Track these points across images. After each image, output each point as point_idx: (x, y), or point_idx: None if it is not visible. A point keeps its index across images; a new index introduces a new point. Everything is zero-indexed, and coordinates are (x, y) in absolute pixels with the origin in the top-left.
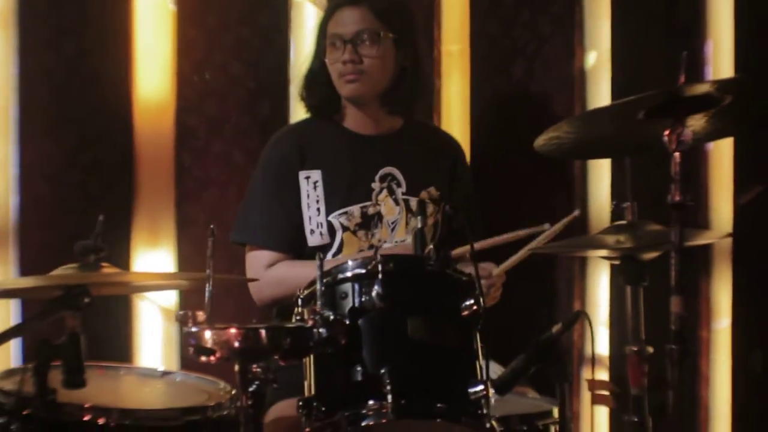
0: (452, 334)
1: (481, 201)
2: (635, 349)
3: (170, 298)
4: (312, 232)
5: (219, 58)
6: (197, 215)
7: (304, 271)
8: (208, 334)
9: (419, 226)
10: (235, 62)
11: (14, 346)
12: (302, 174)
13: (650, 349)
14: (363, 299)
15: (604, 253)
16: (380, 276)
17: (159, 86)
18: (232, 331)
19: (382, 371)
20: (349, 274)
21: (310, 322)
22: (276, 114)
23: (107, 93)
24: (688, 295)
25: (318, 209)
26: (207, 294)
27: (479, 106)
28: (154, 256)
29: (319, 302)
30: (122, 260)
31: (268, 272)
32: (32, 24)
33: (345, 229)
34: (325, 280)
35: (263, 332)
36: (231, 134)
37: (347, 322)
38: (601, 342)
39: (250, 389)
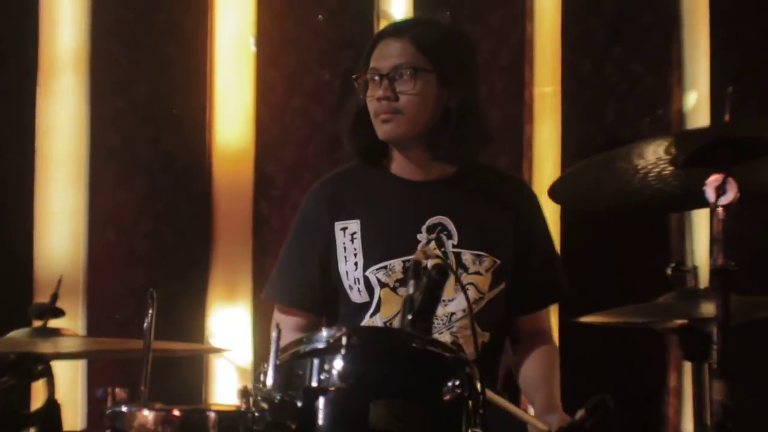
0: (427, 422)
1: (573, 252)
2: None
3: (246, 357)
4: (350, 288)
5: (298, 102)
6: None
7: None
8: (122, 417)
9: (410, 292)
10: (315, 106)
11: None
12: (338, 225)
13: None
14: (322, 377)
15: (669, 323)
16: (343, 351)
17: (238, 131)
18: (145, 413)
19: None
20: (309, 347)
21: (244, 406)
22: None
23: (183, 137)
24: None
25: (355, 263)
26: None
27: (570, 153)
28: (230, 312)
29: (269, 380)
30: (198, 316)
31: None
32: (104, 66)
33: (383, 285)
34: (292, 351)
35: (186, 416)
36: (310, 183)
37: (299, 404)
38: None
39: None
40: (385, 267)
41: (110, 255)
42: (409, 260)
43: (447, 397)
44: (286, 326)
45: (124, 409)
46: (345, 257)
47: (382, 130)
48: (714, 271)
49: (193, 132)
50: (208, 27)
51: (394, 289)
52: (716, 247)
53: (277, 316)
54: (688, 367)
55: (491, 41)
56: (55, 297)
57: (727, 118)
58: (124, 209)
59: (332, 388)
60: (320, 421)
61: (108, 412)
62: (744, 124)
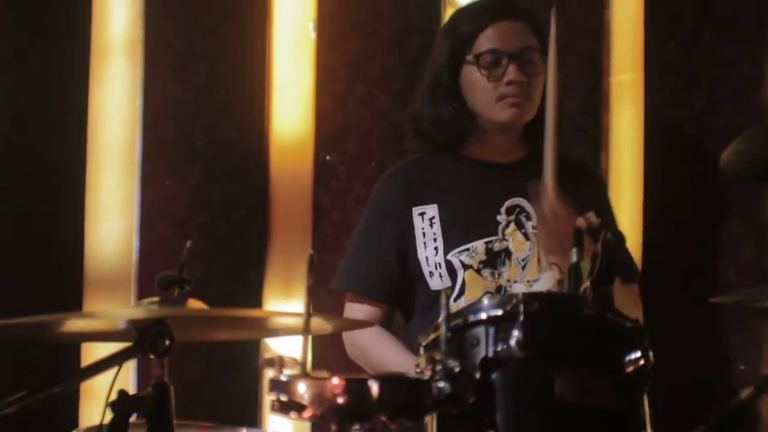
0: (612, 395)
1: (653, 247)
2: None
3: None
4: (431, 274)
5: (362, 90)
6: (336, 264)
7: (382, 356)
8: (299, 385)
9: (574, 259)
10: (380, 94)
11: None
12: (416, 210)
13: None
14: (499, 348)
15: None
16: (522, 319)
17: (297, 120)
18: (332, 382)
19: None
20: (482, 315)
21: (428, 374)
22: None
23: (240, 126)
24: None
25: (435, 248)
26: (303, 337)
27: (655, 142)
28: (288, 309)
29: (442, 349)
30: None
31: (355, 332)
32: (159, 51)
33: (467, 267)
34: (453, 323)
35: (368, 386)
36: (374, 174)
37: (477, 376)
38: None
39: None
40: (467, 249)
41: (163, 248)
42: (491, 241)
43: (629, 369)
44: (353, 314)
45: (283, 377)
46: (424, 243)
47: (507, 114)
48: None
49: (251, 120)
50: (266, 10)
51: (478, 271)
52: None
53: (349, 307)
54: None
55: (568, 27)
56: (182, 265)
57: None
58: (179, 201)
59: (511, 359)
60: (500, 394)
61: (271, 380)
62: None
